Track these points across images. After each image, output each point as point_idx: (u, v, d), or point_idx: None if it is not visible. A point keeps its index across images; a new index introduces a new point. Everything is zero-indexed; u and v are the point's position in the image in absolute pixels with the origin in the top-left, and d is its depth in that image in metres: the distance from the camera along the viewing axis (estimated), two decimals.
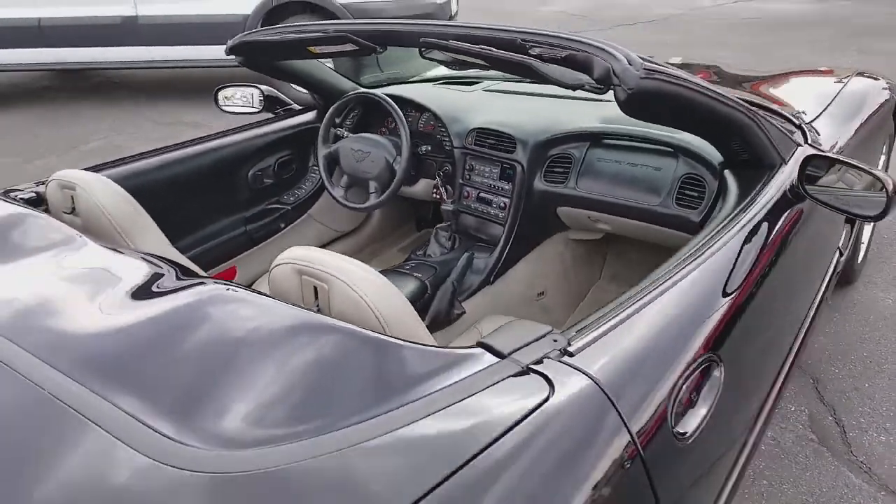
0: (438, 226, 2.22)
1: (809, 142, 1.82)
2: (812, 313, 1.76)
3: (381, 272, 1.04)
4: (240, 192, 2.23)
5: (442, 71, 2.59)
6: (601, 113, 2.00)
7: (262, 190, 2.30)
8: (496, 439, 0.79)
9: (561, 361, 0.93)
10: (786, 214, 1.53)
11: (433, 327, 1.91)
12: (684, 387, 1.02)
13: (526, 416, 0.83)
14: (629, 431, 0.91)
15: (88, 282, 1.07)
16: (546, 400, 0.86)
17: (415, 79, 2.63)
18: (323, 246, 2.42)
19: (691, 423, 1.03)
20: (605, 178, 1.93)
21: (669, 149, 1.85)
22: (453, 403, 0.83)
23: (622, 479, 0.90)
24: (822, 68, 2.88)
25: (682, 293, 1.16)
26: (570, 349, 0.96)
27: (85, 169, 1.58)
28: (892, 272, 2.81)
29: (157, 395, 0.81)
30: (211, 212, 2.14)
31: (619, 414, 0.91)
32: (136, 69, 5.88)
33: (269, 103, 2.34)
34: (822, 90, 2.27)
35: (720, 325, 1.18)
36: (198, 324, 0.93)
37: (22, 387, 0.82)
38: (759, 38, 6.71)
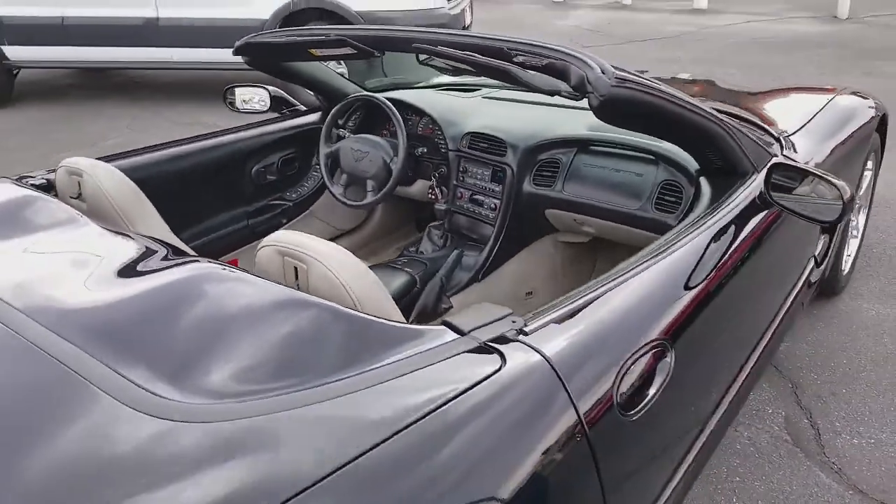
0: (431, 224, 2.32)
1: (785, 153, 1.91)
2: (782, 316, 1.83)
3: (373, 266, 1.14)
4: (244, 187, 2.34)
5: (445, 79, 2.70)
6: (589, 121, 2.09)
7: (265, 186, 2.41)
8: (443, 404, 0.88)
9: (516, 340, 1.02)
10: (755, 219, 1.61)
11: (420, 319, 2.01)
12: (632, 367, 1.11)
13: (475, 385, 0.92)
14: (575, 405, 1.00)
15: (88, 258, 1.17)
16: (496, 371, 0.95)
17: (419, 85, 2.74)
18: None
19: (637, 402, 1.11)
20: (590, 182, 2.02)
21: (651, 156, 1.93)
22: (410, 372, 0.92)
23: (566, 449, 0.99)
24: (820, 87, 2.94)
25: (642, 285, 1.25)
26: (526, 329, 1.05)
27: (97, 159, 1.68)
28: (878, 285, 2.87)
29: (148, 358, 0.91)
30: (215, 205, 2.24)
31: (566, 388, 1.00)
32: (156, 70, 6.05)
33: (276, 103, 2.46)
34: (806, 106, 2.35)
35: (679, 316, 1.27)
36: (188, 297, 1.02)
37: (25, 350, 0.91)
38: (768, 58, 6.78)
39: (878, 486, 1.92)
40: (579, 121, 2.11)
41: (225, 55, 5.60)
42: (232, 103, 2.44)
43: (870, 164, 2.72)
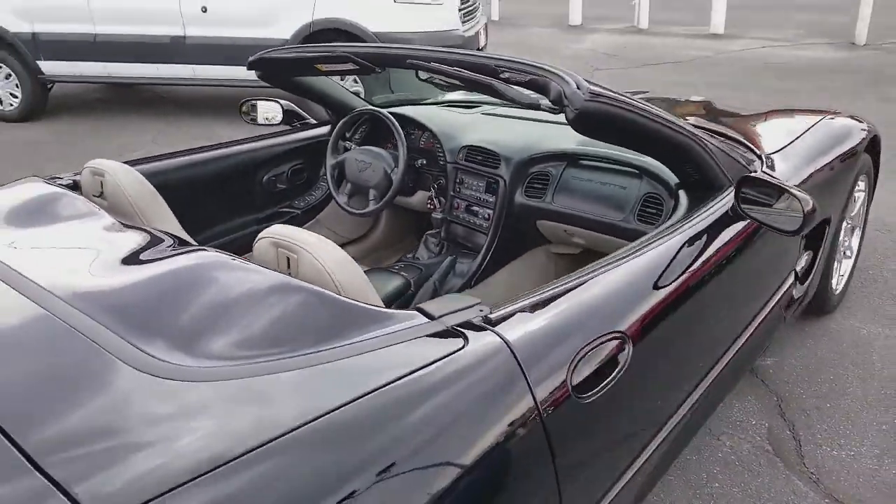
0: (428, 232, 2.44)
1: (764, 169, 1.99)
2: (756, 325, 1.90)
3: (370, 269, 1.26)
4: (255, 194, 2.47)
5: (451, 97, 2.83)
6: (578, 136, 2.19)
7: (275, 194, 2.54)
8: (406, 375, 0.99)
9: (480, 325, 1.13)
10: (728, 230, 1.70)
11: None
12: (589, 354, 1.20)
13: (437, 361, 1.03)
14: (530, 384, 1.10)
15: (106, 246, 1.30)
16: (459, 350, 1.06)
17: (425, 102, 2.86)
18: None
19: (592, 386, 1.20)
20: (578, 194, 2.12)
21: (635, 170, 2.03)
22: (381, 347, 1.04)
23: (522, 424, 1.08)
24: (812, 109, 3.01)
25: (606, 282, 1.35)
26: (491, 317, 1.16)
27: (124, 162, 1.83)
28: (872, 305, 2.92)
29: (157, 330, 1.03)
30: (226, 210, 2.38)
31: (523, 369, 1.10)
32: (182, 86, 6.28)
33: (288, 117, 2.60)
34: (794, 127, 2.43)
35: (640, 313, 1.36)
36: (193, 279, 1.15)
37: (52, 325, 1.04)
38: (782, 83, 6.84)
39: (854, 495, 1.97)
40: (569, 136, 2.21)
41: (244, 73, 5.84)
42: (247, 116, 2.58)
43: (862, 185, 2.78)
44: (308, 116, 2.68)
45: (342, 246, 2.85)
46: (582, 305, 1.27)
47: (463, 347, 1.07)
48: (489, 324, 1.14)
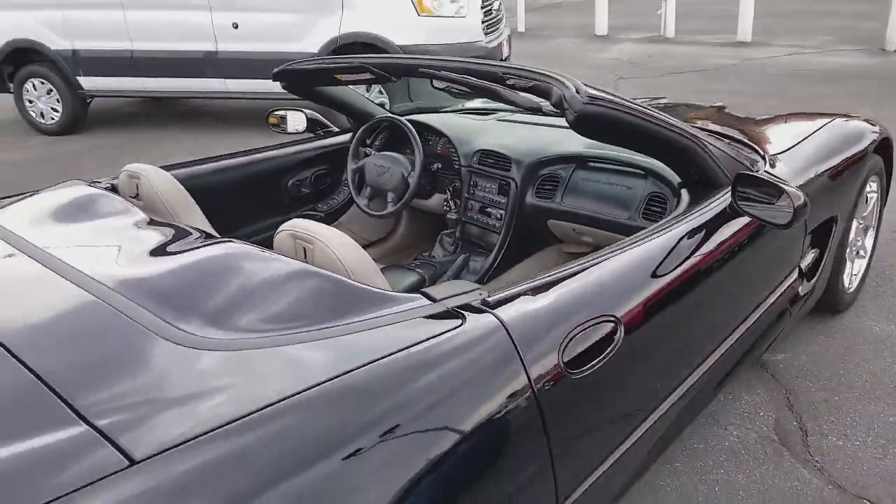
0: (444, 232, 2.55)
1: (767, 169, 2.07)
2: (755, 319, 1.97)
3: (387, 266, 1.37)
4: (280, 198, 2.61)
5: (472, 105, 2.96)
6: (587, 140, 2.29)
7: (299, 198, 2.68)
8: (406, 348, 1.10)
9: (479, 307, 1.24)
10: (727, 225, 1.78)
11: None
12: (581, 335, 1.30)
13: (436, 336, 1.14)
14: (523, 361, 1.20)
15: (140, 238, 1.44)
16: (457, 328, 1.17)
17: (445, 110, 2.99)
18: None
19: (582, 363, 1.30)
20: (586, 195, 2.22)
21: (641, 171, 2.12)
22: (384, 325, 1.15)
23: (514, 395, 1.19)
24: (823, 112, 3.06)
25: (601, 271, 1.45)
26: (490, 300, 1.27)
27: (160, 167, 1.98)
28: (886, 305, 2.95)
29: (187, 308, 1.16)
30: (253, 212, 2.52)
31: (516, 346, 1.21)
32: (216, 100, 6.51)
33: (312, 125, 2.74)
34: (802, 129, 2.49)
35: (634, 300, 1.45)
36: (220, 265, 1.27)
37: (94, 304, 1.17)
38: (807, 90, 6.83)
39: (858, 482, 2.02)
40: (578, 140, 2.31)
41: (274, 86, 6.05)
42: (274, 125, 2.73)
43: (874, 186, 2.83)
44: (331, 125, 2.82)
45: (364, 247, 2.99)
46: (577, 290, 1.37)
47: (460, 326, 1.18)
48: (487, 306, 1.25)
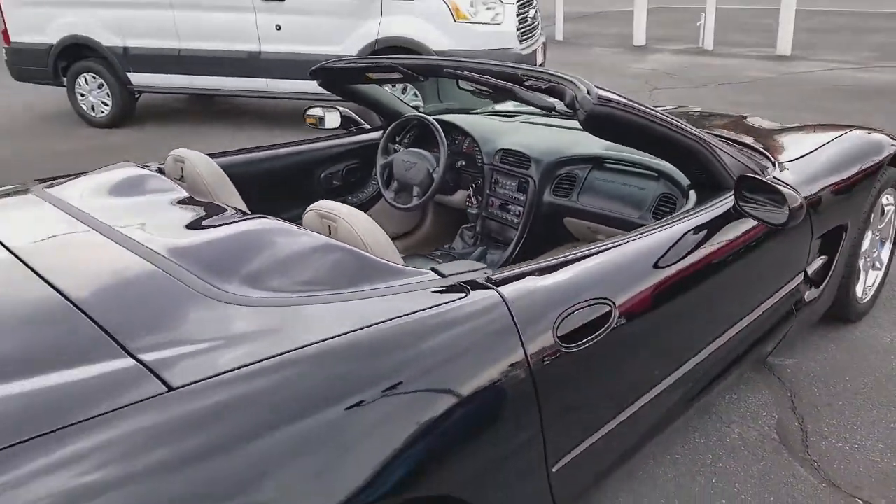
0: (464, 226, 2.68)
1: (775, 174, 2.15)
2: (756, 316, 2.06)
3: (409, 255, 1.49)
4: (313, 188, 2.77)
5: (499, 108, 3.09)
6: (604, 142, 2.40)
7: (331, 190, 2.83)
8: (411, 313, 1.23)
9: (482, 283, 1.37)
10: (730, 225, 1.88)
11: None
12: (576, 313, 1.42)
13: (439, 306, 1.27)
14: (520, 334, 1.33)
15: (185, 212, 1.60)
16: (460, 299, 1.30)
17: (476, 111, 3.12)
18: None
19: (576, 339, 1.41)
20: (601, 194, 2.33)
21: (653, 173, 2.23)
22: (395, 294, 1.28)
23: (510, 365, 1.31)
24: (842, 124, 3.09)
25: (603, 258, 1.57)
26: (494, 278, 1.39)
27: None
28: None
29: (225, 270, 1.30)
30: (287, 201, 2.67)
31: (514, 319, 1.33)
32: (258, 98, 6.76)
33: (346, 122, 2.89)
34: (817, 139, 2.56)
35: (631, 286, 1.56)
36: (255, 236, 1.42)
37: (140, 264, 1.32)
38: (843, 105, 6.81)
39: (853, 482, 2.09)
40: (596, 142, 2.42)
41: (314, 87, 6.26)
42: (311, 122, 2.89)
43: (891, 199, 2.87)
44: (363, 122, 2.97)
45: (392, 240, 3.14)
46: (577, 274, 1.49)
47: (464, 298, 1.30)
48: (490, 282, 1.37)
